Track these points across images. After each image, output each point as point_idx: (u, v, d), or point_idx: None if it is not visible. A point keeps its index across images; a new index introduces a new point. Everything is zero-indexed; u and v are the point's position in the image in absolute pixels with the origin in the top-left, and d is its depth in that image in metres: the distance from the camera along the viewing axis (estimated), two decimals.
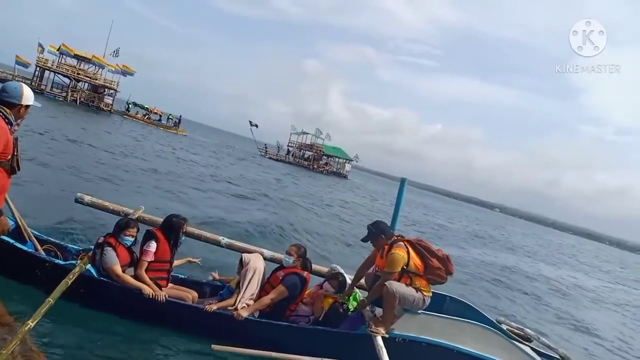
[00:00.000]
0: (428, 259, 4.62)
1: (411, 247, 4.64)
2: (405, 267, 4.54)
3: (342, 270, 5.69)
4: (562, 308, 12.78)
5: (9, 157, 3.60)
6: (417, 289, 4.53)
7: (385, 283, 4.44)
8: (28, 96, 3.69)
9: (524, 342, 5.45)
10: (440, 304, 5.30)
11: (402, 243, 4.64)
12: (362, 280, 5.24)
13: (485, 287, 12.33)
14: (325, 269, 6.11)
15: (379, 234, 4.77)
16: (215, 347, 4.09)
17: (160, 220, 5.48)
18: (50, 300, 3.61)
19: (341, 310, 4.94)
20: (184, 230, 4.85)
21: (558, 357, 5.55)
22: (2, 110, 3.52)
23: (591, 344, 9.66)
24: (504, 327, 5.71)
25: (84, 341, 3.93)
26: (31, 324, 3.29)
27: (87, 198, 5.98)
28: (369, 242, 4.90)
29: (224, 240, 6.04)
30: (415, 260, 4.59)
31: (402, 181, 5.35)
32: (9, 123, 3.57)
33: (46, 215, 7.09)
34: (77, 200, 5.99)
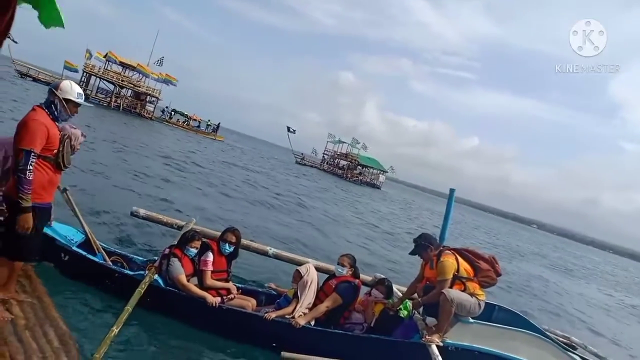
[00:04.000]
0: (476, 262, 4.78)
1: (458, 254, 4.80)
2: (456, 274, 4.68)
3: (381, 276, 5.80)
4: None
5: (55, 152, 3.65)
6: (472, 294, 4.65)
7: (443, 291, 4.57)
8: (65, 90, 3.69)
9: (571, 350, 5.42)
10: (489, 313, 5.34)
11: (448, 251, 4.81)
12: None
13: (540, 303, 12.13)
14: (368, 278, 6.24)
15: (427, 246, 4.92)
16: (284, 354, 4.32)
17: (211, 232, 5.75)
18: (129, 308, 3.90)
19: (391, 313, 5.07)
20: (226, 239, 5.00)
21: None
22: (50, 107, 3.63)
23: None
24: (551, 335, 5.68)
25: (151, 347, 4.18)
26: (115, 329, 3.58)
27: (142, 211, 6.28)
28: (417, 255, 5.04)
29: (272, 250, 6.24)
30: (464, 265, 4.75)
31: (451, 192, 5.44)
32: (55, 119, 3.67)
33: (103, 226, 7.47)
34: (132, 214, 6.29)
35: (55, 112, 3.67)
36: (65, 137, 3.76)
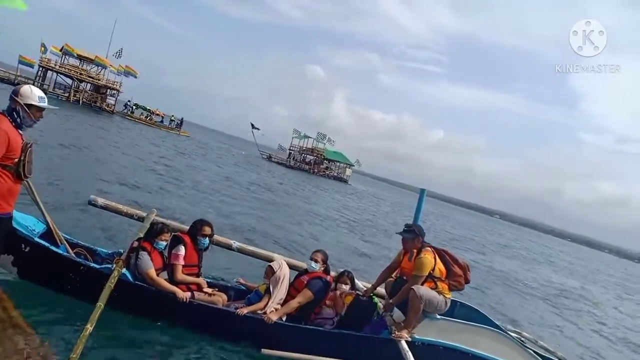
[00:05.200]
0: (451, 266, 4.94)
1: (437, 253, 4.94)
2: (431, 272, 4.82)
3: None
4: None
5: (15, 160, 3.55)
6: (440, 292, 4.82)
7: (413, 287, 4.69)
8: (26, 95, 3.58)
9: (526, 345, 5.67)
10: (451, 309, 5.53)
11: (429, 248, 4.93)
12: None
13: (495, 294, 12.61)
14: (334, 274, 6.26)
15: (417, 235, 4.99)
16: (264, 351, 4.38)
17: (173, 223, 5.61)
18: (100, 304, 3.79)
19: (364, 298, 5.12)
20: (205, 233, 4.95)
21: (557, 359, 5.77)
22: (12, 114, 3.53)
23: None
24: (508, 330, 5.93)
25: (123, 343, 4.11)
26: (89, 327, 3.48)
27: (101, 200, 5.98)
28: (402, 237, 5.08)
29: (235, 244, 6.10)
30: (439, 265, 4.89)
31: (422, 192, 5.55)
32: (18, 126, 3.57)
33: (61, 215, 7.12)
34: (90, 203, 5.95)
35: (18, 119, 3.57)
36: (28, 145, 3.65)
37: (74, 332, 3.52)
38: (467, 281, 5.03)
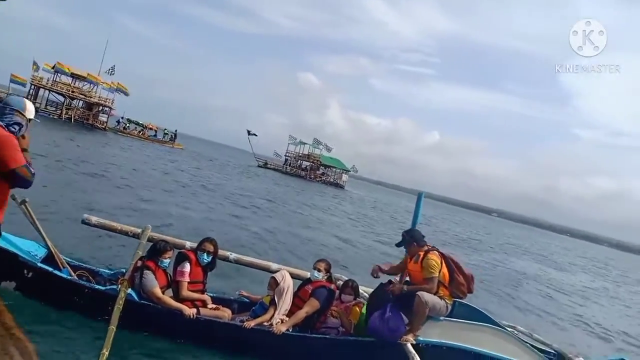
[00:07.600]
0: (455, 274, 4.99)
1: (443, 259, 4.99)
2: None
3: (344, 277, 5.88)
4: None
5: None
6: (441, 297, 4.88)
7: (417, 293, 4.75)
8: (31, 110, 3.84)
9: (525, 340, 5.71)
10: (451, 309, 5.59)
11: (436, 252, 5.01)
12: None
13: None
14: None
15: (412, 242, 5.10)
16: None
17: (169, 238, 5.58)
18: (112, 327, 3.81)
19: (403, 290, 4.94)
20: (204, 249, 4.98)
21: (553, 352, 5.84)
22: (12, 126, 3.61)
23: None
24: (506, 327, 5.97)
25: None
26: (105, 352, 3.53)
27: (94, 219, 5.86)
28: (403, 247, 5.21)
29: (232, 255, 6.03)
30: (444, 270, 4.95)
31: (419, 195, 5.61)
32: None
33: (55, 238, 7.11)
34: (83, 222, 5.81)
35: (17, 132, 3.65)
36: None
37: (89, 356, 3.52)
38: (470, 291, 5.09)
